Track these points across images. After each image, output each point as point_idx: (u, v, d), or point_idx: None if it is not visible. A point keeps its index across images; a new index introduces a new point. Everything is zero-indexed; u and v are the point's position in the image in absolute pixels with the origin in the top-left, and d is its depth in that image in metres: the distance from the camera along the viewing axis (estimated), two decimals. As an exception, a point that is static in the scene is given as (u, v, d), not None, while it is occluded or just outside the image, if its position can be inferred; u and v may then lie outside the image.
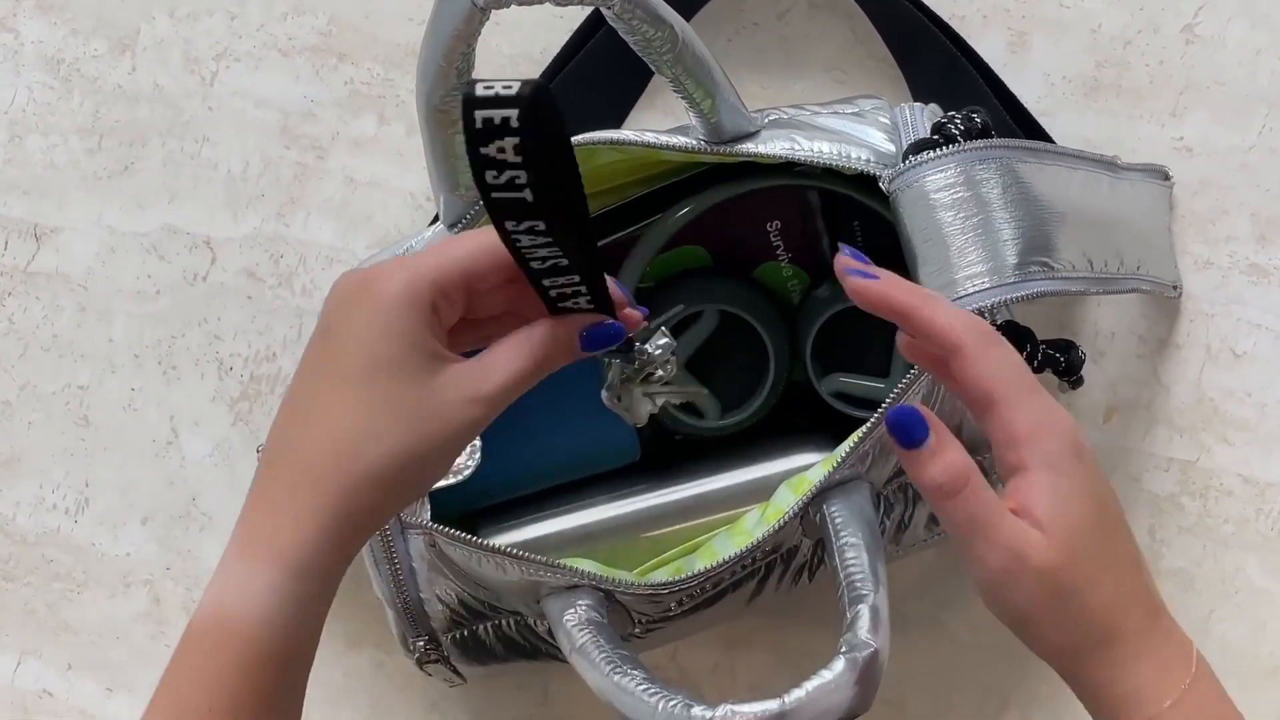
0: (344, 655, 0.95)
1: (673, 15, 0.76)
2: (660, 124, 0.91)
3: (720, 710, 0.71)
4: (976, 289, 0.77)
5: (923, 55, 0.91)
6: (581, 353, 0.66)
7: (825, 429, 0.87)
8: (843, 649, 0.72)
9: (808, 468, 0.84)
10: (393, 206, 0.95)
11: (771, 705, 0.71)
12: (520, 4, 0.73)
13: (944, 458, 0.65)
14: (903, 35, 0.91)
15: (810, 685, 0.71)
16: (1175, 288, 0.90)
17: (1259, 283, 0.91)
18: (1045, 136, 0.90)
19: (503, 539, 0.87)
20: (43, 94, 0.96)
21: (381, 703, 0.95)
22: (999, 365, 0.66)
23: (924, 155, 0.78)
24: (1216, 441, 0.92)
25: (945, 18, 0.91)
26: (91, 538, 0.96)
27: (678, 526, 0.87)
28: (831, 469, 0.79)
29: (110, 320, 0.95)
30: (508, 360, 0.64)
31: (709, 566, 0.80)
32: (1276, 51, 0.91)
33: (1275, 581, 0.92)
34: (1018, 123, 0.90)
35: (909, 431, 0.65)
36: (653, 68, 0.77)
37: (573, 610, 0.79)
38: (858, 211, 0.86)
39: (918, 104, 0.84)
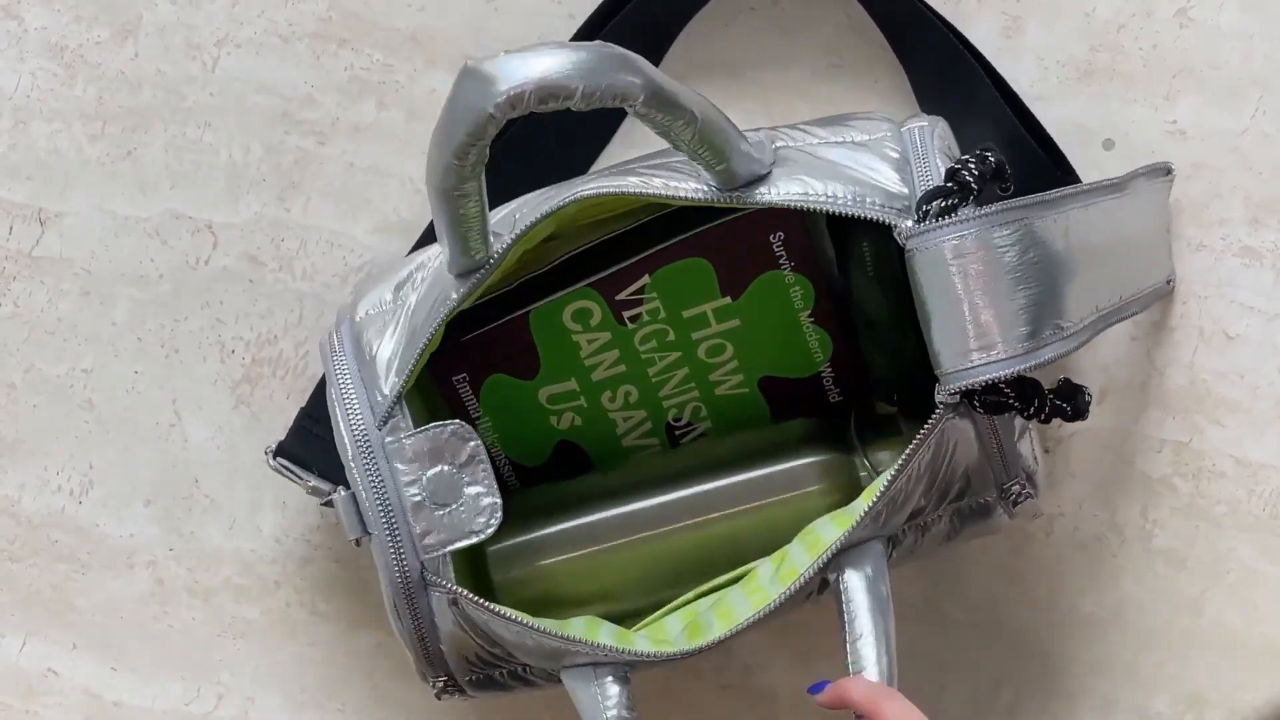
0: (346, 636, 0.96)
1: (690, 97, 0.75)
2: (655, 137, 0.91)
3: None
4: (991, 359, 0.76)
5: (920, 43, 0.91)
6: None
7: (821, 423, 0.89)
8: None
9: (806, 466, 0.85)
10: (392, 191, 0.95)
11: None
12: (538, 109, 0.72)
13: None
14: (898, 23, 0.91)
15: None
16: (1169, 281, 0.90)
17: (1251, 265, 0.92)
18: (1041, 128, 0.90)
19: (507, 541, 0.89)
20: (46, 80, 0.96)
21: (382, 684, 0.96)
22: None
23: (942, 221, 0.76)
24: (1209, 423, 0.92)
25: (939, 2, 0.91)
26: (95, 519, 0.96)
27: (678, 526, 0.88)
28: (847, 530, 0.80)
29: (113, 304, 0.96)
30: None
31: (728, 633, 0.81)
32: (1269, 35, 0.92)
33: (1267, 562, 0.92)
34: (1015, 113, 0.90)
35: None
36: (672, 146, 0.77)
37: (598, 702, 0.81)
38: (866, 229, 0.82)
39: (924, 123, 0.82)
